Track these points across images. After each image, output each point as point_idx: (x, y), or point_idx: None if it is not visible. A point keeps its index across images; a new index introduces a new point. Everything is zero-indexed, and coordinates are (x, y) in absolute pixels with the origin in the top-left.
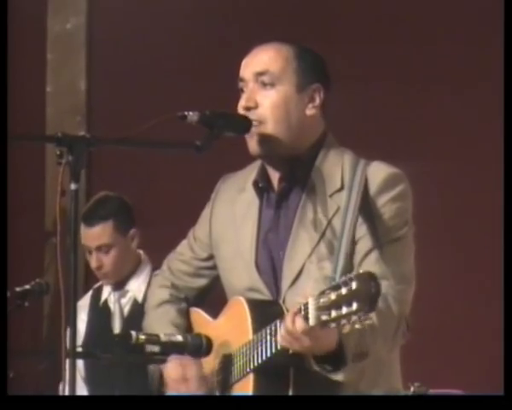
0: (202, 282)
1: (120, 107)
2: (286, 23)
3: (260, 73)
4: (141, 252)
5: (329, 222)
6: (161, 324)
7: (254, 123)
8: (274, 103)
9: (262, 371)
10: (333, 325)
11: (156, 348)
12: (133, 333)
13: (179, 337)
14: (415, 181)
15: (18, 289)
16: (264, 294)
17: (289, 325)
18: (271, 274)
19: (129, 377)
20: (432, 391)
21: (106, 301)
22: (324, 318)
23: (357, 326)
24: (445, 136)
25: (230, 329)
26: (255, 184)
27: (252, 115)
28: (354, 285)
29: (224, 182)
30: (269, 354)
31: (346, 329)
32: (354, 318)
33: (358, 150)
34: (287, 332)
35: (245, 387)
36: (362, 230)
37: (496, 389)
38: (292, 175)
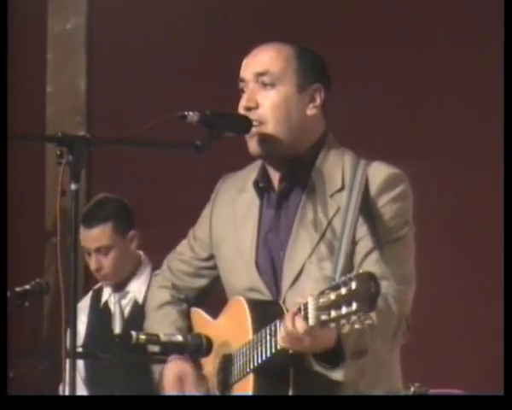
0: (202, 282)
1: (120, 107)
2: (286, 23)
3: (261, 74)
4: (141, 253)
5: (330, 222)
6: (163, 326)
7: (255, 123)
8: (274, 104)
9: (262, 371)
10: (332, 324)
11: (156, 348)
12: (133, 333)
13: (179, 337)
14: (415, 181)
15: (18, 289)
16: (265, 294)
17: (289, 325)
18: (271, 274)
19: (129, 378)
20: (432, 391)
21: (106, 303)
22: (324, 318)
23: (356, 326)
24: (445, 136)
25: (230, 329)
26: (255, 184)
27: (252, 115)
28: (354, 285)
29: (224, 182)
30: (269, 354)
31: (346, 329)
32: (354, 318)
33: (359, 150)
34: (287, 333)
35: (245, 387)
36: (362, 230)
37: (496, 389)
38: (292, 175)
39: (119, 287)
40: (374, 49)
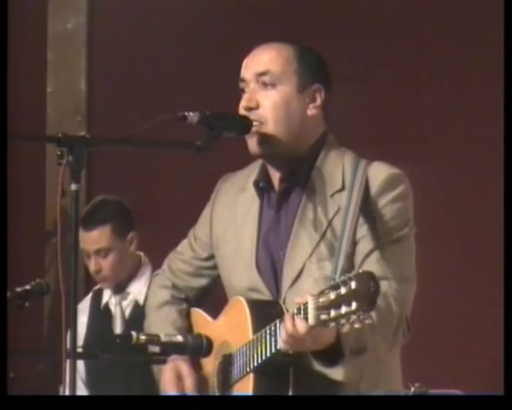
0: (203, 282)
1: (121, 107)
2: (286, 23)
3: (261, 74)
4: (141, 254)
5: (330, 222)
6: (162, 325)
7: (255, 123)
8: (275, 104)
9: (262, 371)
10: (332, 324)
11: (156, 349)
12: (134, 334)
13: (180, 338)
14: (415, 181)
15: (18, 289)
16: (265, 294)
17: (290, 326)
18: (272, 274)
19: (129, 378)
20: (432, 391)
21: (107, 304)
22: (323, 317)
23: (356, 326)
24: (446, 136)
25: (230, 329)
26: (256, 183)
27: (253, 115)
28: (353, 285)
29: (224, 182)
30: (269, 354)
31: (346, 328)
32: (353, 317)
33: (359, 150)
34: (288, 334)
35: (245, 387)
36: (363, 230)
37: (496, 389)
38: (292, 175)
39: (120, 288)
40: (374, 50)
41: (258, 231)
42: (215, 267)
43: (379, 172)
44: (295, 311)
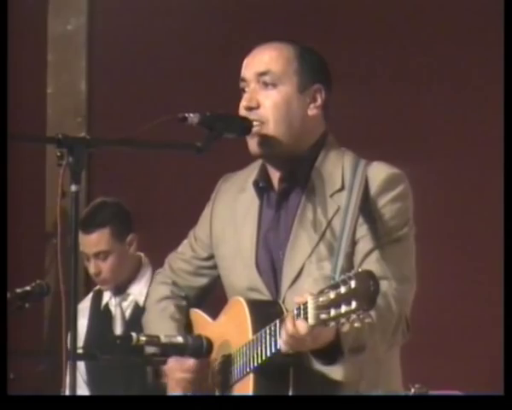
0: (203, 281)
1: (121, 108)
2: (286, 23)
3: (262, 74)
4: (141, 255)
5: (329, 222)
6: (161, 318)
7: (255, 123)
8: (275, 103)
9: (262, 371)
10: (332, 323)
11: (157, 350)
12: (134, 335)
13: (180, 339)
14: (415, 181)
15: (18, 290)
16: (264, 294)
17: (290, 327)
18: (271, 274)
19: (129, 379)
20: (432, 392)
21: (107, 305)
22: (323, 317)
23: (356, 325)
24: (445, 136)
25: (230, 329)
26: (255, 183)
27: (253, 115)
28: (353, 284)
29: (224, 182)
30: (268, 354)
31: (346, 327)
32: (353, 316)
33: (359, 150)
34: (288, 335)
35: (245, 387)
36: (362, 230)
37: (496, 389)
38: (292, 175)
39: (120, 290)
40: (374, 50)
41: (258, 230)
42: (215, 267)
43: (378, 172)
44: (295, 311)
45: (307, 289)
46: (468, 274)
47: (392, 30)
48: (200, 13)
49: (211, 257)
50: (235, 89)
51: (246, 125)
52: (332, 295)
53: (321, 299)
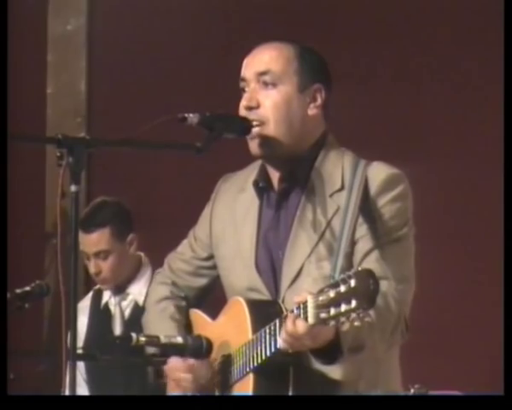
0: (202, 281)
1: (120, 108)
2: (286, 23)
3: (262, 73)
4: (141, 255)
5: (329, 222)
6: (160, 319)
7: (255, 123)
8: (275, 103)
9: (262, 371)
10: (332, 322)
11: (156, 350)
12: (133, 335)
13: (179, 339)
14: (415, 181)
15: (18, 290)
16: (264, 294)
17: (290, 325)
18: (271, 274)
19: (129, 379)
20: (432, 392)
21: (107, 304)
22: (323, 316)
23: (356, 324)
24: (445, 136)
25: (230, 329)
26: (255, 184)
27: (253, 115)
28: (353, 283)
29: (224, 182)
30: (268, 354)
31: (346, 326)
32: (353, 315)
33: (359, 151)
34: (287, 334)
35: (245, 387)
36: (362, 230)
37: (496, 389)
38: (292, 175)
39: (120, 289)
40: (374, 50)
41: (258, 230)
42: (215, 267)
43: (378, 172)
44: (295, 310)
45: (307, 289)
46: (468, 274)
47: (392, 30)
48: (200, 13)
49: (210, 257)
50: (235, 89)
51: (245, 126)
52: (332, 294)
53: (321, 298)
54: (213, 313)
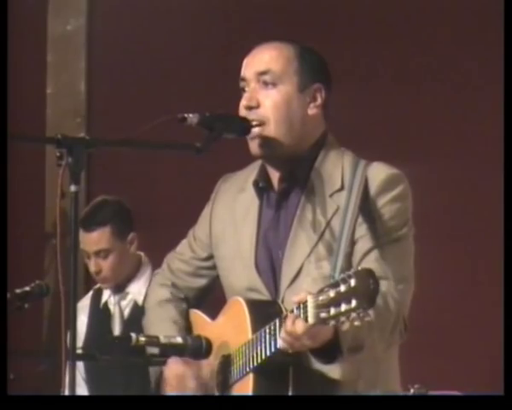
0: (202, 282)
1: (120, 108)
2: (286, 23)
3: (262, 73)
4: (141, 254)
5: (329, 222)
6: (161, 321)
7: (255, 123)
8: (276, 103)
9: (261, 371)
10: (332, 322)
11: (156, 350)
12: (133, 335)
13: (179, 339)
14: (415, 181)
15: (18, 290)
16: (263, 294)
17: (289, 325)
18: (270, 274)
19: (129, 379)
20: (431, 392)
21: (106, 303)
22: (323, 315)
23: (356, 323)
24: (445, 136)
25: (229, 329)
26: (255, 184)
27: (253, 115)
28: (353, 282)
29: (224, 182)
30: (268, 354)
31: (346, 326)
32: (353, 315)
33: (359, 150)
34: (287, 333)
35: (244, 387)
36: (361, 230)
37: (496, 389)
38: (292, 175)
39: (119, 288)
40: (374, 50)
41: (258, 230)
42: (214, 267)
43: (378, 172)
44: (295, 310)
45: (306, 289)
46: (468, 274)
47: (392, 30)
48: (200, 13)
49: (210, 257)
50: (235, 89)
51: (245, 126)
52: (332, 293)
53: (321, 298)
54: (213, 313)
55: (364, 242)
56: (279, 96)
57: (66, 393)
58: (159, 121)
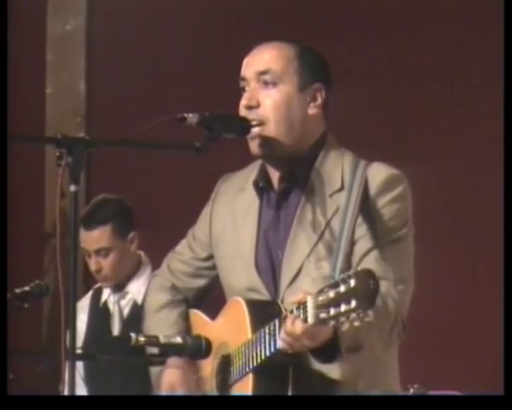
0: (201, 282)
1: (120, 108)
2: (286, 23)
3: (262, 72)
4: (141, 253)
5: (328, 222)
6: (161, 329)
7: (255, 122)
8: (276, 103)
9: (261, 371)
10: (332, 322)
11: (156, 350)
12: (133, 335)
13: (178, 339)
14: (414, 182)
15: (17, 290)
16: (263, 294)
17: (288, 325)
18: (270, 274)
19: (128, 379)
20: (431, 392)
21: (106, 302)
22: (323, 316)
23: (356, 324)
24: (445, 136)
25: (229, 329)
26: (255, 183)
27: (253, 114)
28: (353, 283)
29: (224, 182)
30: (268, 354)
31: (345, 326)
32: (353, 315)
33: (359, 150)
34: (286, 334)
35: (244, 387)
36: (361, 230)
37: (496, 389)
38: (292, 175)
39: (119, 287)
40: (374, 49)
41: (258, 230)
42: (214, 268)
43: (378, 172)
44: (294, 310)
45: (306, 289)
46: (468, 274)
47: (392, 29)
48: (200, 13)
49: (210, 257)
50: (235, 88)
51: (245, 126)
52: (331, 294)
53: (320, 298)
54: (212, 313)
55: (364, 242)
56: (279, 96)
57: (66, 393)
58: (158, 121)
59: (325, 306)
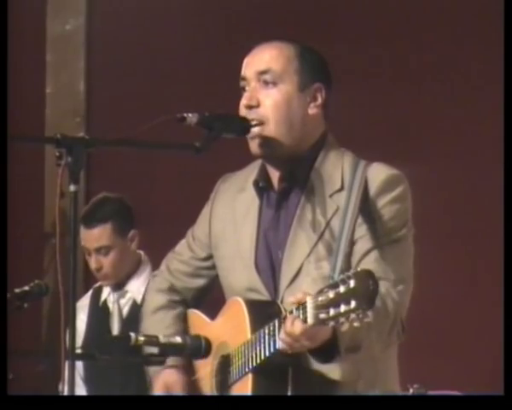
0: (201, 282)
1: (119, 108)
2: (286, 23)
3: (262, 72)
4: (141, 253)
5: (328, 222)
6: (157, 331)
7: (255, 122)
8: (276, 102)
9: (261, 371)
10: (331, 323)
11: (155, 350)
12: (132, 335)
13: (178, 339)
14: (414, 182)
15: (17, 290)
16: (263, 294)
17: (288, 325)
18: (270, 274)
19: (127, 379)
20: (431, 392)
21: (105, 302)
22: (322, 316)
23: (355, 324)
24: (445, 136)
25: (229, 329)
26: (255, 183)
27: (253, 114)
28: (352, 283)
29: (223, 181)
30: (267, 354)
31: (345, 327)
32: (352, 316)
33: (359, 151)
34: (286, 334)
35: (244, 387)
36: (361, 230)
37: (496, 389)
38: (292, 175)
39: (119, 286)
40: (374, 49)
41: (258, 230)
42: (213, 267)
43: (378, 172)
44: (294, 310)
45: (305, 289)
46: (468, 274)
47: (392, 29)
48: (200, 13)
49: (209, 257)
50: (235, 88)
51: (244, 125)
52: (331, 294)
53: (320, 298)
54: (212, 313)
55: (364, 242)
56: (279, 96)
57: (65, 393)
58: (158, 121)
59: (325, 306)
